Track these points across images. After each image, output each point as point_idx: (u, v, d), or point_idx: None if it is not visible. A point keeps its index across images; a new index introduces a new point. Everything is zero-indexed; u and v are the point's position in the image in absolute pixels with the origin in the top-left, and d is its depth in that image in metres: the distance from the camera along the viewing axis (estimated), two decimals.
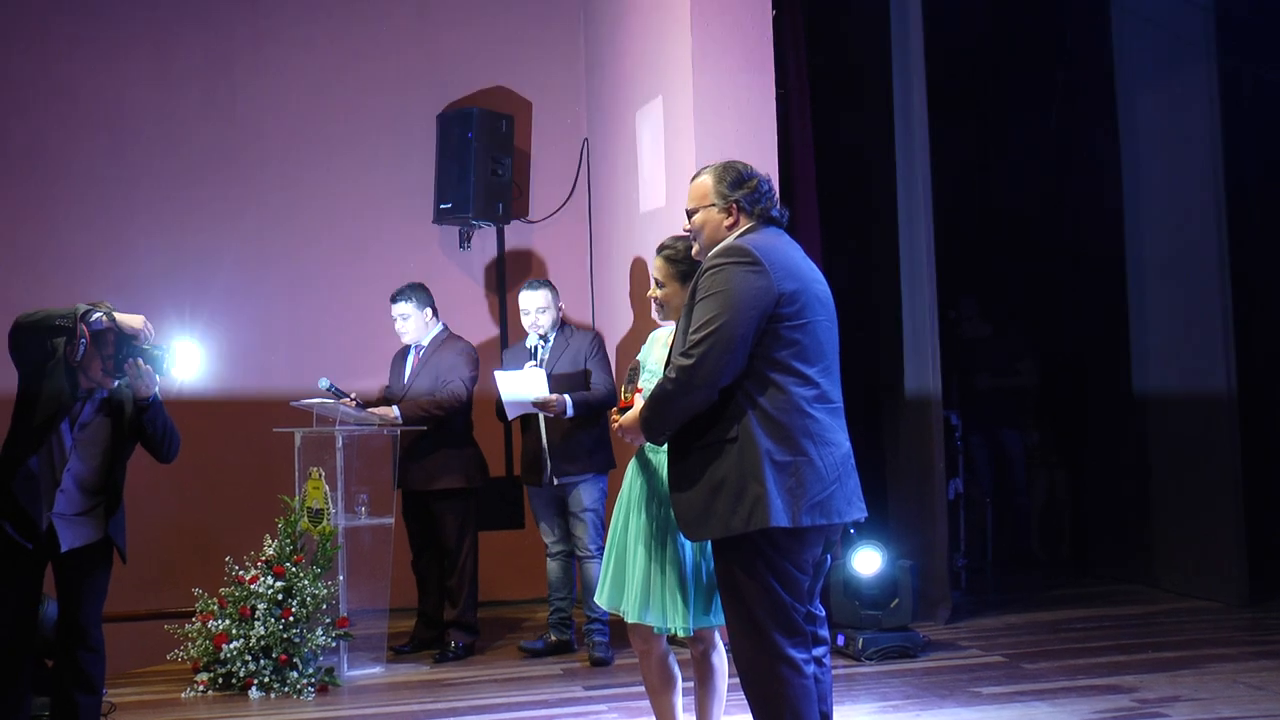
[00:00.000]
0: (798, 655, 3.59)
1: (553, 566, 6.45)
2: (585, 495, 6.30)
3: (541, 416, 6.26)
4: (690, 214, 3.83)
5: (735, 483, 3.52)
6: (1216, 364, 7.25)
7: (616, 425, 3.93)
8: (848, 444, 3.69)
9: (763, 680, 3.60)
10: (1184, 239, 7.50)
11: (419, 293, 6.61)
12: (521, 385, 6.14)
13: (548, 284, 6.49)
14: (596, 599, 4.20)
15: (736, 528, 3.52)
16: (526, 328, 6.43)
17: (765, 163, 6.15)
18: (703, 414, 3.58)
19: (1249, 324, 7.81)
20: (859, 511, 3.70)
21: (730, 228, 3.76)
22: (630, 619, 4.04)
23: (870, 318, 7.58)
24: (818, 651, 3.71)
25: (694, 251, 3.89)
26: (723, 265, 3.59)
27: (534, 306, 6.38)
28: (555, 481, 6.29)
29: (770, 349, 3.56)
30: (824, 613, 3.80)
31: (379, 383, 6.82)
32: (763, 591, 3.56)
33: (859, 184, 7.80)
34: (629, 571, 4.05)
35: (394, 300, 6.62)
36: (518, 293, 6.52)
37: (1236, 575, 7.17)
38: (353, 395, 6.27)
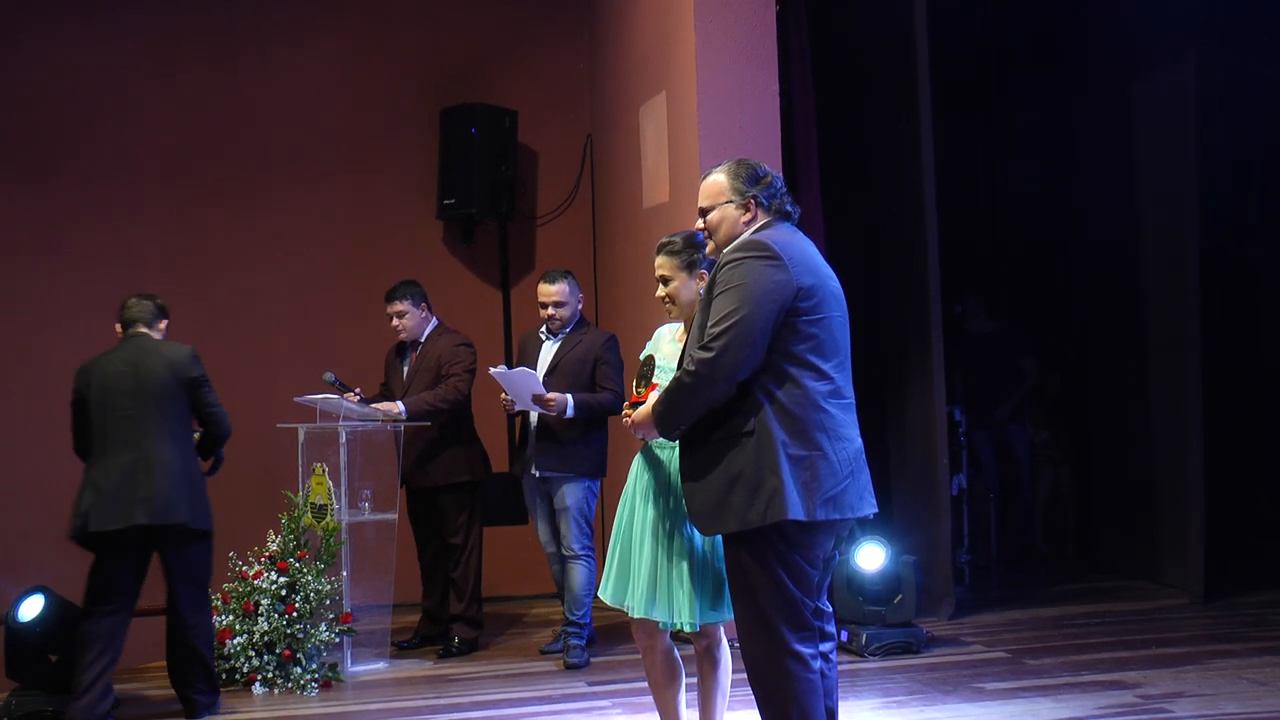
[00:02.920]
0: (805, 650, 3.59)
1: (551, 566, 6.39)
2: (569, 494, 6.11)
3: None
4: (705, 212, 3.79)
5: (752, 476, 3.51)
6: (1190, 357, 7.26)
7: (628, 421, 3.90)
8: (859, 440, 3.69)
9: (770, 675, 3.59)
10: (1172, 236, 7.50)
11: (413, 289, 6.55)
12: (517, 384, 5.96)
13: (567, 275, 6.26)
14: (600, 593, 4.16)
15: (753, 521, 3.50)
16: (542, 320, 6.26)
17: (769, 158, 6.14)
18: (718, 407, 3.56)
19: (1219, 318, 7.77)
20: (870, 507, 3.70)
21: (747, 224, 3.74)
22: (636, 614, 3.99)
23: (875, 313, 7.57)
24: (824, 647, 3.71)
25: (708, 250, 3.86)
26: (741, 259, 3.58)
27: (549, 300, 6.17)
28: (537, 474, 6.16)
29: (787, 343, 3.55)
30: (831, 609, 3.80)
31: (382, 378, 6.80)
32: (773, 585, 3.55)
33: (864, 179, 7.79)
34: (634, 565, 4.01)
35: (390, 299, 6.55)
36: (522, 289, 6.43)
37: (1194, 571, 7.18)
38: (357, 389, 6.26)
